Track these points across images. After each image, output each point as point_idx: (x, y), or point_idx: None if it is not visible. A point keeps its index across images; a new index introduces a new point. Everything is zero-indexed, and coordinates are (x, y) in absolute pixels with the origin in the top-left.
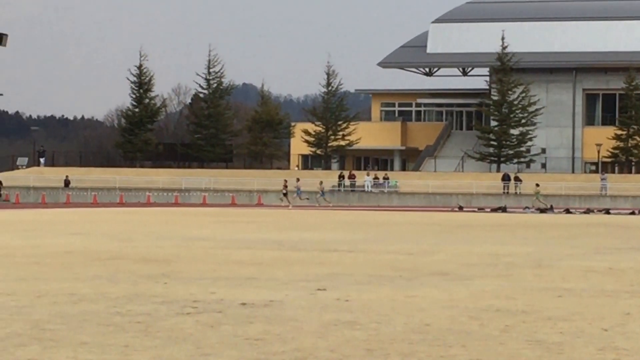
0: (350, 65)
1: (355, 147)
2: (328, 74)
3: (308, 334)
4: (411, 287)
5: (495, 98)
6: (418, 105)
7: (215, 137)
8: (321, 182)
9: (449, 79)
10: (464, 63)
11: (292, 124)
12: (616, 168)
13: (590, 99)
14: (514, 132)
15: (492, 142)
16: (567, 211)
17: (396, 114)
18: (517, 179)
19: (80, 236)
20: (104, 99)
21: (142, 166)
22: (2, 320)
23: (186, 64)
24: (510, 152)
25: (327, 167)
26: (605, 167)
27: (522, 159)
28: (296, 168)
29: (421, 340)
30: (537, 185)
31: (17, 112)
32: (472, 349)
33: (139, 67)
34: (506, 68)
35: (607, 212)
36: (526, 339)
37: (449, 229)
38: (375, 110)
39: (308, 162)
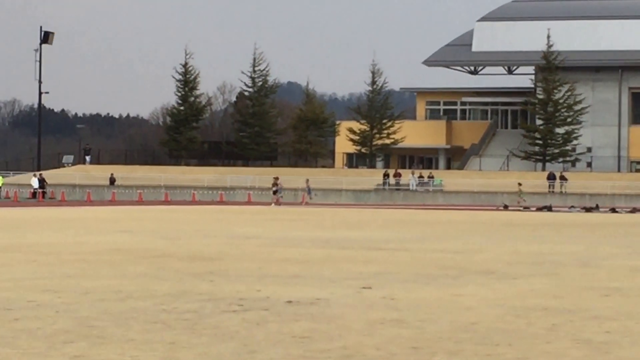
0: (396, 63)
1: (400, 145)
2: (373, 73)
3: (354, 332)
4: (457, 285)
5: (541, 97)
6: (463, 103)
7: (260, 135)
8: (307, 180)
9: (494, 78)
10: (509, 61)
11: (337, 122)
12: None
13: (636, 97)
14: (560, 131)
15: (537, 141)
16: (613, 210)
17: (441, 113)
18: (562, 178)
19: (126, 234)
20: (150, 97)
21: (187, 164)
22: (50, 317)
23: (231, 62)
24: (556, 151)
25: (372, 166)
26: None
27: (567, 158)
28: (345, 167)
29: (467, 339)
30: (520, 184)
31: (62, 110)
32: (519, 348)
33: (185, 65)
34: (552, 66)
35: None
36: (573, 338)
37: (495, 228)
38: (420, 108)
39: (353, 161)
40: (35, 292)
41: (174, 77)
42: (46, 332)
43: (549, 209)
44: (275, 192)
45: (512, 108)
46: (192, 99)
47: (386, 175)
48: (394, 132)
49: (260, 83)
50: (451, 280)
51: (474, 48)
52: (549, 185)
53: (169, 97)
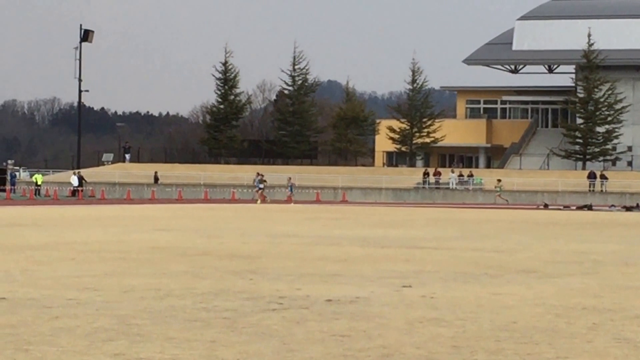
0: (436, 62)
1: (440, 144)
2: (413, 71)
3: (394, 331)
4: (497, 284)
5: (581, 95)
6: (503, 102)
7: (300, 133)
8: (289, 178)
9: (534, 76)
10: (550, 60)
11: (377, 120)
12: None
13: None
14: (600, 129)
15: (577, 140)
16: None
17: (481, 111)
18: (603, 176)
19: (166, 232)
20: (189, 96)
21: (227, 163)
22: (90, 316)
23: (271, 60)
24: (596, 149)
25: (412, 164)
26: None
27: (607, 157)
28: (384, 165)
29: (508, 338)
30: (499, 180)
31: (102, 109)
32: (559, 347)
33: (224, 63)
34: (592, 65)
35: None
36: (613, 337)
37: (535, 227)
38: (461, 107)
39: (393, 159)
40: (75, 290)
41: (214, 76)
42: (86, 330)
43: (589, 207)
44: (261, 189)
45: (553, 107)
46: (232, 97)
47: (426, 174)
48: (434, 131)
49: (300, 81)
50: (491, 279)
51: (515, 47)
52: (589, 184)
53: (208, 95)
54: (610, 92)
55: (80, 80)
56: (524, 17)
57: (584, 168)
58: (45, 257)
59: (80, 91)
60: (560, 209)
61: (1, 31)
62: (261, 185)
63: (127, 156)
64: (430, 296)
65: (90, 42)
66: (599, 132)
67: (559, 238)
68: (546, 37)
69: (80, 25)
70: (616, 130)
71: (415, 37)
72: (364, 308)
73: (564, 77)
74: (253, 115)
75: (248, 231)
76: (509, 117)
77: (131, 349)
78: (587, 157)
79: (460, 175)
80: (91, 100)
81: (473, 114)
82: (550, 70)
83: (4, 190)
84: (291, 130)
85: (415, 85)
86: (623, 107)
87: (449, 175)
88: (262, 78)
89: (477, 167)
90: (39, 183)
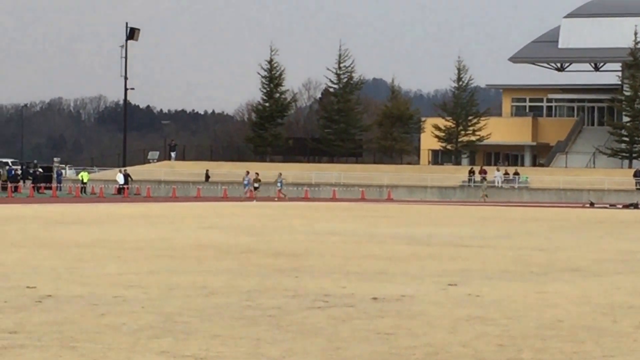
0: (481, 60)
1: (485, 142)
2: (459, 69)
3: (439, 329)
4: (543, 283)
5: (628, 93)
6: (549, 100)
7: (345, 131)
8: (280, 174)
9: (580, 74)
10: (596, 58)
11: (422, 119)
12: None
13: None
14: None
15: (624, 138)
16: None
17: (527, 109)
18: None
19: (211, 230)
20: (235, 94)
21: (272, 160)
22: (135, 313)
23: (316, 58)
24: None
25: (457, 163)
26: None
27: None
28: (429, 163)
29: (553, 336)
30: (485, 178)
31: (148, 106)
32: (605, 346)
33: (270, 61)
34: (639, 63)
35: None
36: None
37: (581, 225)
38: (506, 105)
39: (438, 157)
40: (120, 287)
41: (259, 74)
42: (132, 328)
43: (635, 206)
44: (256, 188)
45: (599, 105)
46: (278, 95)
47: (471, 172)
48: (480, 129)
49: (346, 79)
50: (536, 277)
51: (561, 44)
52: (636, 183)
53: (254, 93)
54: None
55: (126, 78)
56: (570, 15)
57: (630, 166)
58: (91, 255)
59: (126, 89)
60: (606, 208)
61: (47, 29)
62: (256, 185)
63: (173, 154)
64: (476, 295)
65: (136, 40)
66: None
67: (605, 237)
68: (592, 35)
69: (126, 23)
70: None
71: (461, 35)
72: (409, 306)
73: (610, 75)
74: (298, 114)
75: (293, 229)
76: (555, 115)
77: (176, 346)
78: (634, 155)
79: (506, 173)
80: (137, 98)
81: (519, 112)
82: (597, 68)
83: (51, 188)
84: (336, 128)
85: (460, 83)
86: None
87: (495, 174)
88: (307, 76)
89: (522, 165)
90: (85, 181)
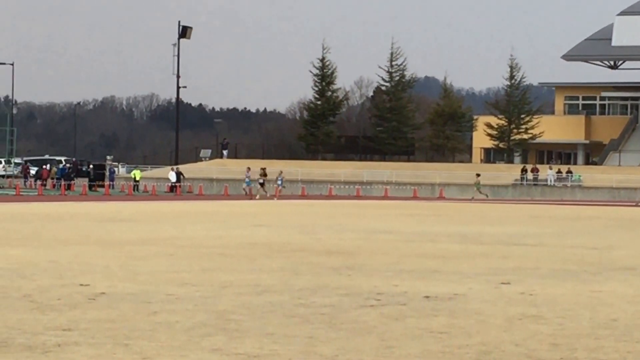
0: (534, 58)
1: (538, 140)
2: (511, 67)
3: (493, 328)
4: (596, 281)
5: None
6: (602, 98)
7: (397, 130)
8: (281, 172)
9: (634, 72)
10: None
11: (475, 117)
12: None
13: None
14: None
15: None
16: None
17: (580, 107)
18: None
19: (264, 228)
20: (287, 92)
21: (324, 159)
22: (188, 311)
23: (368, 56)
24: None
25: (510, 161)
26: None
27: None
28: (481, 162)
29: (608, 336)
30: (478, 175)
31: (200, 105)
32: None
33: (322, 59)
34: None
35: None
36: None
37: (634, 224)
38: (559, 103)
39: (490, 156)
40: (173, 285)
41: (311, 72)
42: (184, 326)
43: None
44: (262, 184)
45: None
46: (330, 93)
47: (524, 171)
48: (532, 127)
49: (398, 78)
50: (590, 276)
51: (614, 42)
52: None
53: (306, 91)
54: None
55: (178, 76)
56: (624, 13)
57: None
58: (144, 253)
59: (178, 87)
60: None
61: (99, 28)
62: (261, 181)
63: (225, 152)
64: (529, 293)
65: (189, 38)
66: None
67: None
68: None
69: (179, 21)
70: None
71: (514, 32)
72: (462, 305)
73: None
74: (350, 112)
75: (345, 227)
76: (608, 113)
77: (229, 344)
78: None
79: (559, 171)
80: (189, 97)
81: (571, 110)
82: None
83: (103, 186)
84: (388, 126)
85: (513, 81)
86: None
87: (547, 172)
88: (359, 74)
89: (575, 163)
90: (138, 179)
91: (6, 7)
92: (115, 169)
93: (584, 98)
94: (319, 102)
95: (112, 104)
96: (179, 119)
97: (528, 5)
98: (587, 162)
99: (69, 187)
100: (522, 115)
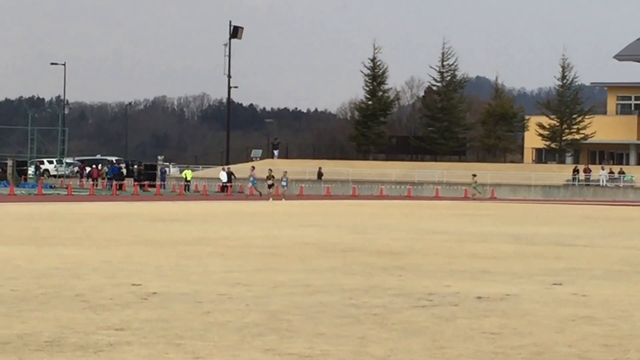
0: (586, 57)
1: (589, 140)
2: (563, 67)
3: (545, 329)
4: None
5: None
6: None
7: (449, 130)
8: (285, 172)
9: None
10: None
11: (526, 117)
12: None
13: None
14: None
15: None
16: None
17: (632, 108)
18: None
19: (315, 228)
20: (338, 92)
21: (375, 159)
22: (240, 311)
23: (420, 56)
24: None
25: (561, 161)
26: None
27: None
28: (533, 162)
29: None
30: (474, 175)
31: (251, 105)
32: None
33: (373, 59)
34: None
35: None
36: None
37: None
38: (611, 103)
39: (542, 156)
40: (225, 285)
41: (362, 72)
42: (237, 325)
43: None
44: (270, 186)
45: None
46: (381, 93)
47: (576, 171)
48: (584, 127)
49: (449, 77)
50: None
51: None
52: None
53: (357, 91)
54: None
55: (229, 76)
56: None
57: None
58: (196, 253)
59: (229, 87)
60: None
61: (150, 28)
62: (270, 182)
63: (276, 152)
64: (581, 294)
65: (240, 38)
66: None
67: None
68: None
69: (230, 21)
70: None
71: (565, 32)
72: (514, 305)
73: None
74: (401, 112)
75: (396, 227)
76: None
77: (281, 344)
78: None
79: (611, 172)
80: (240, 97)
81: (624, 110)
82: None
83: (155, 186)
84: (439, 126)
85: (565, 81)
86: None
87: (599, 172)
88: (410, 74)
89: (627, 164)
90: (189, 179)
91: (59, 8)
92: (167, 169)
93: (636, 98)
94: (370, 102)
95: (164, 104)
96: (230, 119)
97: (580, 5)
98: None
99: (120, 187)
100: (574, 116)
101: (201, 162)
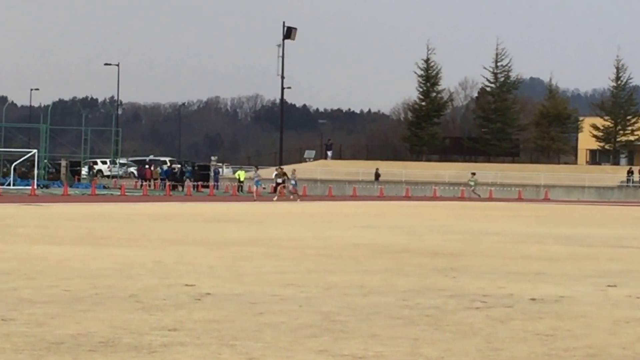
0: None
1: None
2: (617, 68)
3: (599, 331)
4: None
5: None
6: None
7: (502, 131)
8: (294, 171)
9: None
10: None
11: (580, 118)
12: None
13: None
14: None
15: None
16: None
17: None
18: None
19: (368, 229)
20: (391, 93)
21: (428, 160)
22: (294, 312)
23: (473, 57)
24: None
25: (615, 162)
26: None
27: None
28: (587, 163)
29: None
30: (473, 174)
31: (304, 105)
32: None
33: (426, 60)
34: None
35: None
36: None
37: None
38: None
39: (596, 157)
40: (278, 286)
41: (415, 73)
42: (290, 326)
43: None
44: (280, 184)
45: None
46: (434, 94)
47: (630, 172)
48: (639, 129)
49: (503, 79)
50: None
51: None
52: None
53: (410, 92)
54: None
55: (282, 77)
56: None
57: None
58: (249, 253)
59: (282, 88)
60: None
61: (205, 29)
62: (279, 180)
63: (329, 153)
64: (636, 296)
65: (293, 39)
66: None
67: None
68: None
69: (283, 22)
70: None
71: (620, 32)
72: (568, 307)
73: None
74: (455, 113)
75: (450, 229)
76: None
77: (335, 345)
78: None
79: None
80: (293, 97)
81: None
82: None
83: (208, 187)
84: (493, 127)
85: (619, 82)
86: None
87: None
88: (464, 75)
89: None
90: (242, 179)
91: (113, 9)
92: (220, 169)
93: None
94: (423, 103)
95: (217, 104)
96: (283, 119)
97: (635, 5)
98: None
99: (174, 188)
100: (629, 117)
101: (254, 162)
